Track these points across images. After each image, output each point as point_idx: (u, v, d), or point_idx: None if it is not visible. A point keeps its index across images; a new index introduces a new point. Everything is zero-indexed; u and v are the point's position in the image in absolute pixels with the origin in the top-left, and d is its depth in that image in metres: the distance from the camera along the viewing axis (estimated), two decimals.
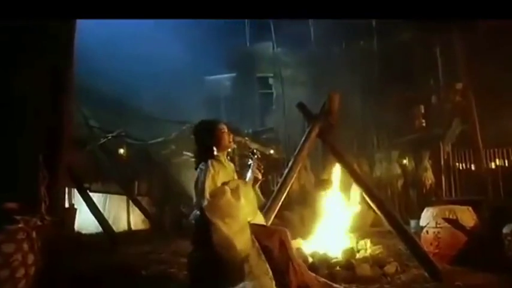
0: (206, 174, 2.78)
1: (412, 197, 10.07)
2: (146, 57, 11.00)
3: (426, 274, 3.71)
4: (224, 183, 2.85)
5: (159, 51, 11.15)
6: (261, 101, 14.03)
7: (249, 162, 3.08)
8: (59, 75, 3.38)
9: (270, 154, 10.20)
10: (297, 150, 4.31)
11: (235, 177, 3.09)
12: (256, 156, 3.07)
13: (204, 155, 2.94)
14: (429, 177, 9.86)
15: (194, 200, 2.85)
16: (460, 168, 9.44)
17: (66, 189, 8.05)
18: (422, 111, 9.47)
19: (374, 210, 8.39)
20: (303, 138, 4.39)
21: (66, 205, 8.31)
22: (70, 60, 3.51)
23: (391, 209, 4.01)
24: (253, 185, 3.02)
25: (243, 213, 2.75)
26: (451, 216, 4.36)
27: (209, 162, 2.87)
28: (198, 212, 2.78)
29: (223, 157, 3.03)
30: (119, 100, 10.11)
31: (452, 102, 8.91)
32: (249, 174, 3.03)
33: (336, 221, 4.74)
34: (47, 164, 2.93)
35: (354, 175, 4.12)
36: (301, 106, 4.60)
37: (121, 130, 9.13)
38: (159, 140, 9.69)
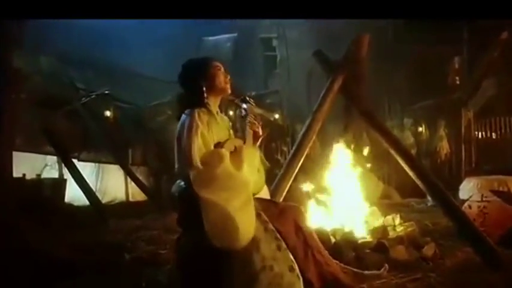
0: (192, 129, 1.95)
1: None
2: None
3: (479, 259, 2.97)
4: (219, 144, 2.03)
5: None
6: (264, 63, 13.09)
7: (242, 114, 2.22)
8: None
9: (275, 119, 9.41)
10: (315, 106, 3.49)
11: (232, 135, 2.26)
12: (249, 105, 2.20)
13: (189, 102, 2.10)
14: (444, 147, 9.32)
15: (176, 166, 2.02)
16: (480, 137, 8.68)
17: (56, 159, 7.45)
18: (457, 66, 8.19)
19: (384, 182, 7.89)
20: (323, 93, 3.56)
21: (56, 175, 7.71)
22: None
23: (434, 178, 3.22)
24: (254, 144, 2.20)
25: (246, 185, 1.95)
26: (501, 188, 3.65)
27: (194, 111, 2.02)
28: (182, 183, 1.97)
29: (214, 107, 2.18)
30: (109, 60, 9.25)
31: (487, 59, 7.55)
32: (246, 132, 2.18)
33: (350, 194, 3.97)
34: None
35: (388, 139, 3.31)
36: (318, 54, 3.78)
37: (105, 89, 8.24)
38: (154, 103, 8.89)
